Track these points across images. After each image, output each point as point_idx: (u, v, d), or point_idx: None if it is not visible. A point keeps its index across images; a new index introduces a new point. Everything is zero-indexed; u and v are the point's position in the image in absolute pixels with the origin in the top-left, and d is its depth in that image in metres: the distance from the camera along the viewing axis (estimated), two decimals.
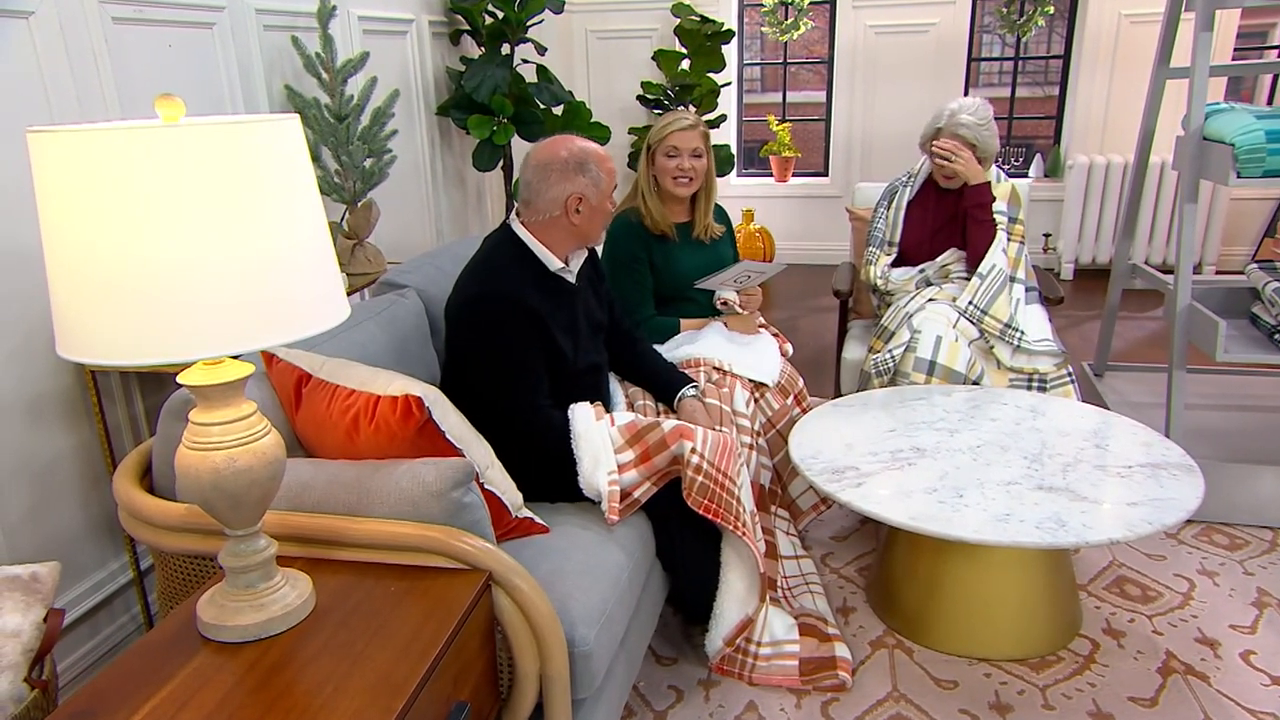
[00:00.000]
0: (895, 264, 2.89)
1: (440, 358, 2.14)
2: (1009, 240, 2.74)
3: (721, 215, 2.80)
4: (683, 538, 1.92)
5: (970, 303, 2.62)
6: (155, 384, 2.22)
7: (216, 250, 1.00)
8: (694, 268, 2.62)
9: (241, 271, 1.02)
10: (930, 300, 2.71)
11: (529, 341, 1.88)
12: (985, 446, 2.15)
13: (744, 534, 1.88)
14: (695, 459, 1.81)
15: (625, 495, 1.82)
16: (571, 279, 2.02)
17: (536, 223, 1.96)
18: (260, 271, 1.04)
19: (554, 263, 1.97)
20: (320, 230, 1.14)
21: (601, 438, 1.85)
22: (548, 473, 1.86)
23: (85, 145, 0.96)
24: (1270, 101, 5.32)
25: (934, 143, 2.76)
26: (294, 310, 1.08)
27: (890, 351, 2.63)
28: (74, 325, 1.02)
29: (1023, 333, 2.59)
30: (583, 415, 1.89)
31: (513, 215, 2.01)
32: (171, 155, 0.97)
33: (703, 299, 2.67)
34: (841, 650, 2.04)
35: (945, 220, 2.85)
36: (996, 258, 2.68)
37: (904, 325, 2.67)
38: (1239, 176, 2.52)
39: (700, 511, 1.83)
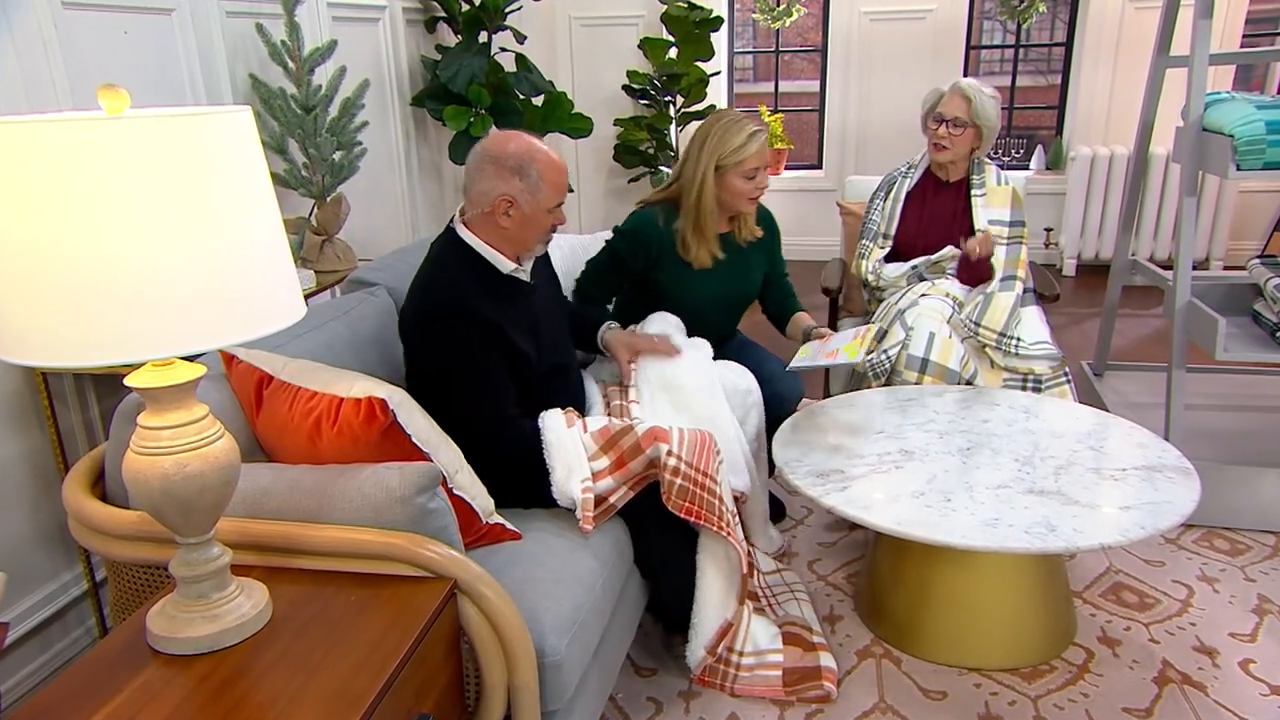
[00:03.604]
0: (888, 259, 2.82)
1: None
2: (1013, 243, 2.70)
3: (766, 217, 2.52)
4: (661, 543, 1.86)
5: (963, 315, 2.58)
6: (111, 386, 2.14)
7: (163, 247, 0.97)
8: (709, 295, 2.42)
9: (190, 269, 0.99)
10: (923, 296, 2.65)
11: (489, 353, 1.79)
12: (975, 449, 2.09)
13: (728, 533, 1.82)
14: (672, 461, 1.75)
15: (600, 501, 1.76)
16: (525, 278, 1.93)
17: (475, 218, 1.84)
18: (210, 269, 1.00)
19: (505, 265, 1.86)
20: (275, 226, 1.11)
21: (574, 445, 1.78)
22: (520, 481, 1.79)
23: (20, 138, 0.92)
24: None
25: (932, 115, 2.72)
26: (246, 309, 1.05)
27: (886, 351, 2.56)
28: (11, 325, 0.98)
29: (1019, 339, 2.54)
30: (554, 423, 1.83)
31: (456, 213, 1.89)
32: (114, 149, 0.94)
33: (707, 331, 2.38)
34: (827, 660, 1.98)
35: (944, 215, 2.79)
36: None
37: (897, 322, 2.61)
38: (1238, 169, 2.46)
39: (681, 515, 1.77)
